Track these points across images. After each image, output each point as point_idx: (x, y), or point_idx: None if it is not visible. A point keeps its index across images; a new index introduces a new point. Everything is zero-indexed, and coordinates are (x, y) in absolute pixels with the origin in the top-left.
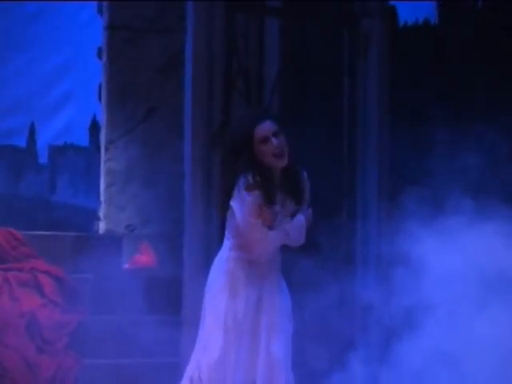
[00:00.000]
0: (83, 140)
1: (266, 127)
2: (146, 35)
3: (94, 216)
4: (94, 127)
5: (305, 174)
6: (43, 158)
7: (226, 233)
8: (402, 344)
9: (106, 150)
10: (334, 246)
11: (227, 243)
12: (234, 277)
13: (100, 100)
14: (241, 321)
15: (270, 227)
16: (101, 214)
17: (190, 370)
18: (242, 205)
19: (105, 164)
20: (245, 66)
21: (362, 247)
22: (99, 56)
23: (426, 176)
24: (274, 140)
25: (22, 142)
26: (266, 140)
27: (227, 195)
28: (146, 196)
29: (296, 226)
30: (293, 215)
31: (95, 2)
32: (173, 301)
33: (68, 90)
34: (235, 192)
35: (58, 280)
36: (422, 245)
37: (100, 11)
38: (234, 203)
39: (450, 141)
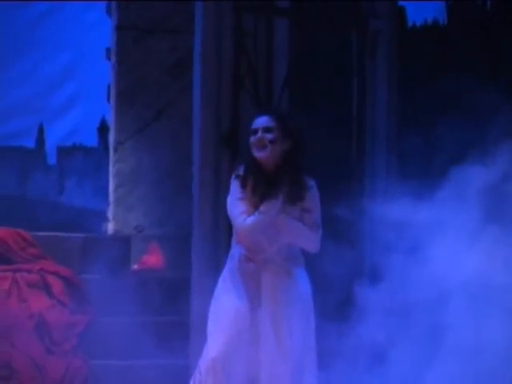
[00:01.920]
0: (92, 141)
1: (259, 121)
2: (155, 36)
3: (102, 217)
4: (103, 128)
5: (311, 182)
6: (52, 159)
7: None
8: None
9: (115, 151)
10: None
11: (232, 240)
12: (235, 273)
13: (108, 101)
14: (241, 317)
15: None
16: (109, 215)
17: (196, 369)
18: (231, 189)
19: (113, 165)
20: (253, 66)
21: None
22: (108, 57)
23: (435, 180)
24: (259, 133)
25: (30, 143)
26: (254, 132)
27: None
28: (155, 197)
29: (269, 205)
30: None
31: (104, 3)
32: (181, 302)
33: (76, 91)
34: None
35: (66, 281)
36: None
37: (108, 12)
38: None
39: (459, 142)
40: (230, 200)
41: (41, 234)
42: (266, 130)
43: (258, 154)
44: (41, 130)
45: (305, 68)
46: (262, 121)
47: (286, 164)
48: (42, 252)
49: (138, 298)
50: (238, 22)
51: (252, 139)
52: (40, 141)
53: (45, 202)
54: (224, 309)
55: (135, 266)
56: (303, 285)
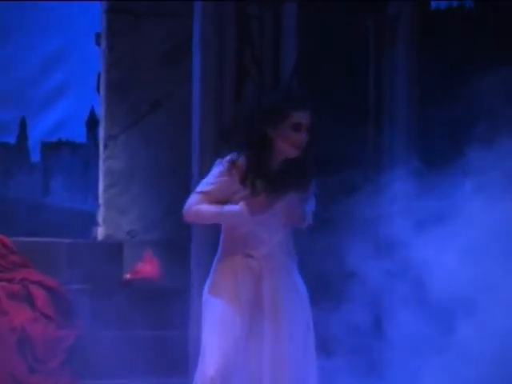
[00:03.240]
0: (80, 136)
1: (304, 116)
2: (150, 20)
3: (91, 221)
4: (92, 122)
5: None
6: (35, 156)
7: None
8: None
9: (106, 146)
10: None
11: (222, 237)
12: (228, 274)
13: (98, 91)
14: (238, 321)
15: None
16: (99, 218)
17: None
18: (215, 171)
19: (104, 162)
20: (259, 54)
21: None
22: (98, 42)
23: (459, 162)
24: (303, 134)
25: (11, 139)
26: (298, 129)
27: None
28: (150, 198)
29: (249, 206)
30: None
31: None
32: (179, 314)
33: (63, 81)
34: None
35: (51, 292)
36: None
37: None
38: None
39: (483, 127)
40: (206, 179)
41: (23, 239)
42: (307, 128)
43: (294, 153)
44: (23, 124)
45: (316, 56)
46: (306, 117)
47: (298, 159)
48: (24, 260)
49: (132, 310)
50: (241, 5)
51: (296, 137)
52: (22, 136)
53: (27, 204)
54: (220, 315)
55: (128, 276)
56: (301, 285)
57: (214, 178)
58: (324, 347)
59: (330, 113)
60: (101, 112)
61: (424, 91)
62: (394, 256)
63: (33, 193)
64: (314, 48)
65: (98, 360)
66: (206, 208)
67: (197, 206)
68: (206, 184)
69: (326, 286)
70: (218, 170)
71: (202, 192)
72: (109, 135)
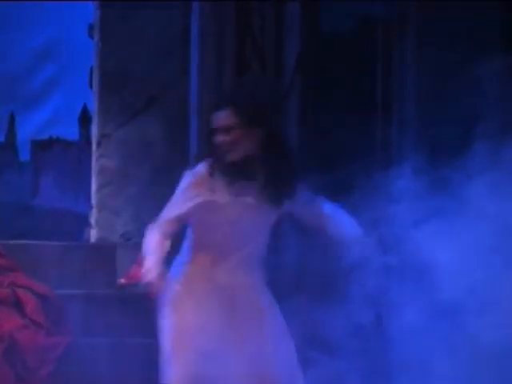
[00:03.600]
0: (72, 133)
1: (218, 119)
2: (145, 11)
3: (83, 222)
4: (85, 118)
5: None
6: (25, 155)
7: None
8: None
9: (99, 144)
10: None
11: (187, 244)
12: (194, 286)
13: (91, 86)
14: (205, 332)
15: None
16: (92, 219)
17: None
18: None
19: (97, 161)
20: (260, 47)
21: None
22: (90, 35)
23: (467, 160)
24: (219, 136)
25: None
26: (213, 132)
27: None
28: (146, 199)
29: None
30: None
31: None
32: None
33: (54, 75)
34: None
35: (41, 297)
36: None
37: None
38: None
39: (493, 126)
40: (178, 196)
41: (12, 242)
42: (225, 130)
43: (226, 157)
44: (11, 121)
45: (321, 50)
46: (221, 118)
47: (263, 154)
48: (12, 263)
49: (126, 317)
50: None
51: (215, 141)
52: (11, 133)
53: (16, 205)
54: (183, 328)
55: (122, 280)
56: (269, 293)
57: (180, 193)
58: (323, 347)
59: (336, 112)
60: (94, 108)
61: (431, 89)
62: (400, 254)
63: (22, 193)
64: (319, 41)
65: (90, 369)
66: (151, 241)
67: (156, 230)
68: (172, 206)
69: (328, 285)
70: (184, 183)
71: (165, 218)
72: (102, 132)
